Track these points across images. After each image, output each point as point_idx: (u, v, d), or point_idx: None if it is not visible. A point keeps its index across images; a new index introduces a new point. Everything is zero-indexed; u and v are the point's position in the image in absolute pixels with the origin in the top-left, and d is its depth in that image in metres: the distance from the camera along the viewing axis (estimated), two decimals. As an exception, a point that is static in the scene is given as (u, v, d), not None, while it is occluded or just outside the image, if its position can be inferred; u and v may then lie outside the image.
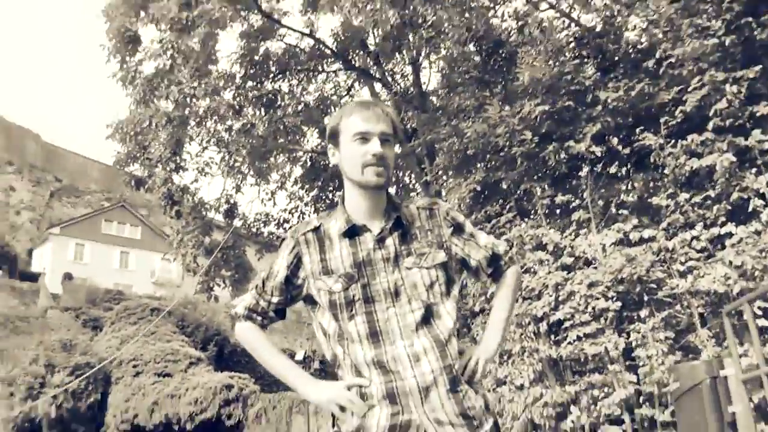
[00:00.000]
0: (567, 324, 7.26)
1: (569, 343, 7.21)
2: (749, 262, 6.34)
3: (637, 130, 7.83)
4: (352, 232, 2.24)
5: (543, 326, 7.44)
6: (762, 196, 6.85)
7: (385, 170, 2.22)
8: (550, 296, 7.39)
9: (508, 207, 8.94)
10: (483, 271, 2.42)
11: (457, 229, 2.37)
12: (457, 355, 2.20)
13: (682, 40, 7.83)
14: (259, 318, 2.40)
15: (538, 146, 8.53)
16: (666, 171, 7.61)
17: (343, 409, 2.20)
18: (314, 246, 2.28)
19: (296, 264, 2.30)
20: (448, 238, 2.32)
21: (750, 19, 7.56)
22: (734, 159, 6.94)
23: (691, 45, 7.62)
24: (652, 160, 7.81)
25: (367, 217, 2.26)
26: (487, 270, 2.42)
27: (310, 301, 2.33)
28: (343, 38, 15.91)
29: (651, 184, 7.99)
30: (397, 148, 15.39)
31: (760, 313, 6.11)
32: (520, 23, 11.37)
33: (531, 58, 9.45)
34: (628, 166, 8.50)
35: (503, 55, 10.94)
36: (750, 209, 6.81)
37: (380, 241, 2.22)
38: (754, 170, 7.01)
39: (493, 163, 9.42)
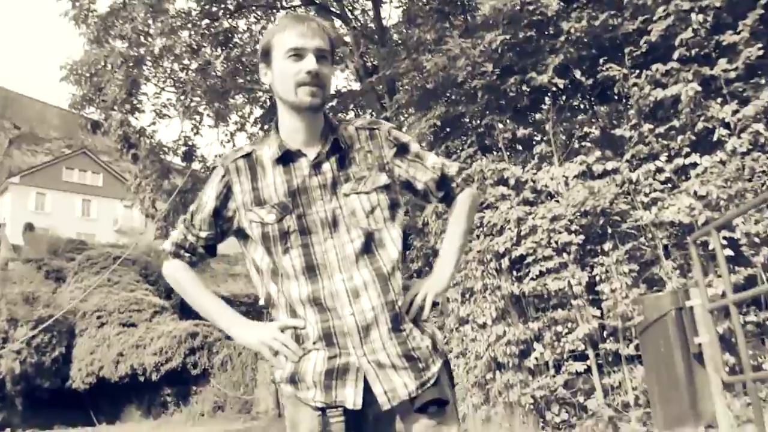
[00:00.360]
0: (529, 259, 7.20)
1: (532, 278, 7.15)
2: (714, 191, 6.29)
3: (601, 61, 7.68)
4: (287, 158, 2.04)
5: (505, 262, 7.37)
6: (727, 125, 6.76)
7: (321, 90, 2.01)
8: (512, 231, 7.29)
9: (469, 142, 8.78)
10: (432, 194, 2.21)
11: (402, 149, 2.15)
12: (401, 289, 2.01)
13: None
14: (188, 255, 2.21)
15: (500, 79, 8.35)
16: (630, 102, 7.47)
17: (276, 353, 2.01)
18: (245, 174, 2.07)
19: (226, 194, 2.09)
20: (390, 159, 2.11)
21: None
22: (699, 88, 6.85)
23: (656, -27, 7.41)
24: (615, 91, 7.72)
25: (302, 141, 2.06)
26: (437, 194, 2.21)
27: (242, 235, 2.13)
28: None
29: (614, 116, 7.87)
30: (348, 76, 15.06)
31: (725, 242, 6.03)
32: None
33: (492, -12, 9.16)
34: (591, 98, 8.40)
35: (464, -15, 10.62)
36: (715, 139, 6.72)
37: (316, 166, 2.02)
38: (719, 100, 6.93)
39: (453, 97, 9.22)
